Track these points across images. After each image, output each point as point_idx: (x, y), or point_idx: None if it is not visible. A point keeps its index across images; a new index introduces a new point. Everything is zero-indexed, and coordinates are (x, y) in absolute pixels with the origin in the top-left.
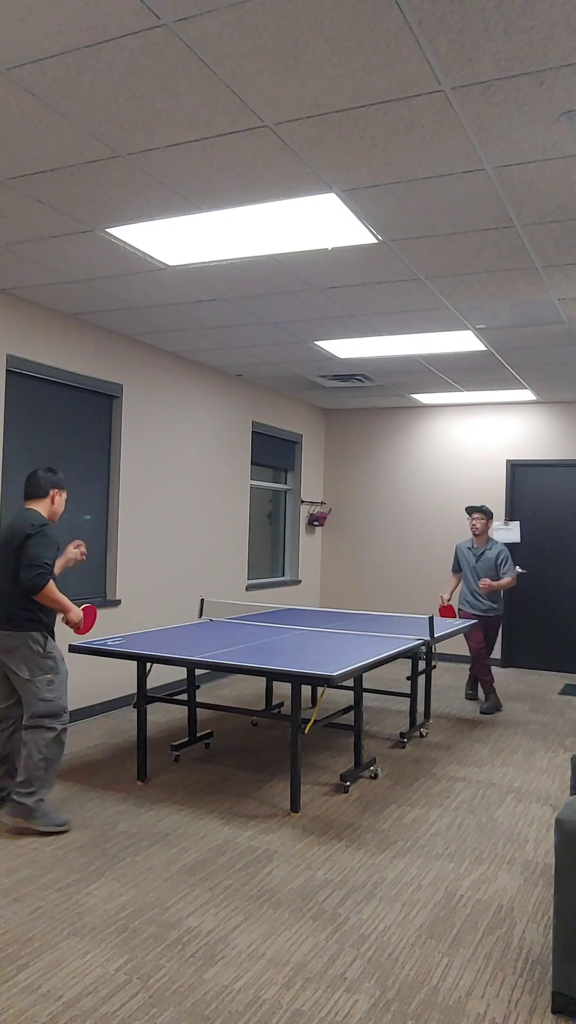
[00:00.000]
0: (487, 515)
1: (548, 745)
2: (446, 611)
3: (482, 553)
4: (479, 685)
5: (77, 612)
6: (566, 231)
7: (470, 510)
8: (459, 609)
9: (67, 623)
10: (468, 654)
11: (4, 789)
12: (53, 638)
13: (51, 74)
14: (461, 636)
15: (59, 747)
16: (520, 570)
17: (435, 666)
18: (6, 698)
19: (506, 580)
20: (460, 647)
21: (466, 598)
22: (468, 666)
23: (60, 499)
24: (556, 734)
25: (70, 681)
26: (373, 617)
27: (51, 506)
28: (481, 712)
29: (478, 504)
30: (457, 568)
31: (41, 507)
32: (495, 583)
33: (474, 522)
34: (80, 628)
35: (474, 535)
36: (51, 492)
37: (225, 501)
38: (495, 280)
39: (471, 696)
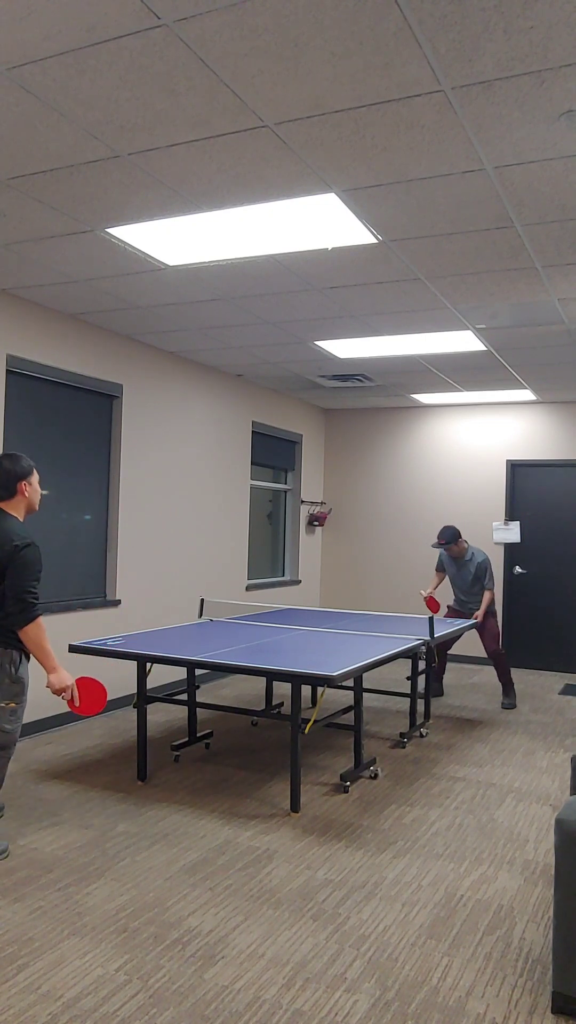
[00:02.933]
0: (451, 540)
1: (548, 745)
2: (429, 603)
3: (463, 565)
4: (503, 686)
5: (62, 676)
6: (566, 231)
7: (435, 546)
8: (448, 606)
9: (52, 689)
10: (462, 654)
11: None
12: (28, 661)
13: (51, 74)
14: (460, 637)
15: (3, 774)
16: (519, 570)
17: (435, 666)
18: None
19: (486, 599)
20: (460, 647)
21: (456, 598)
22: (477, 667)
23: (32, 488)
24: (556, 734)
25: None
26: (373, 617)
27: (23, 500)
28: (503, 707)
29: (441, 529)
30: (440, 568)
31: (14, 508)
32: (481, 610)
33: (448, 551)
34: (77, 704)
35: (452, 557)
36: (19, 486)
37: (225, 501)
38: (495, 280)
39: (508, 706)
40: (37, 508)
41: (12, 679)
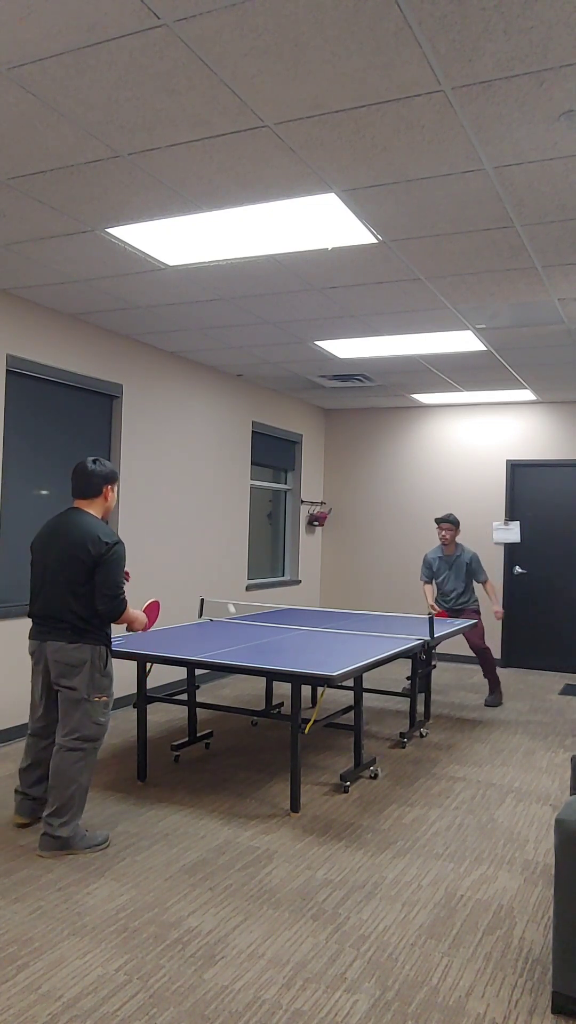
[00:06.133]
0: (455, 524)
1: (548, 745)
2: (440, 616)
3: (454, 562)
4: (489, 683)
5: (142, 619)
6: (566, 231)
7: (439, 520)
8: (431, 606)
9: (134, 631)
10: (461, 654)
11: (28, 795)
12: (111, 656)
13: (51, 74)
14: (460, 636)
15: (92, 769)
16: (519, 570)
17: (435, 666)
18: (49, 712)
19: (491, 590)
20: (461, 647)
21: (443, 598)
22: (476, 667)
23: (113, 495)
24: (556, 734)
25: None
26: (373, 617)
27: (105, 504)
28: (486, 704)
29: (444, 514)
30: (430, 578)
31: (95, 509)
32: (496, 599)
33: (443, 533)
34: (147, 627)
35: (443, 544)
36: (104, 489)
37: (225, 501)
38: (495, 280)
39: (492, 703)
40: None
41: (102, 674)
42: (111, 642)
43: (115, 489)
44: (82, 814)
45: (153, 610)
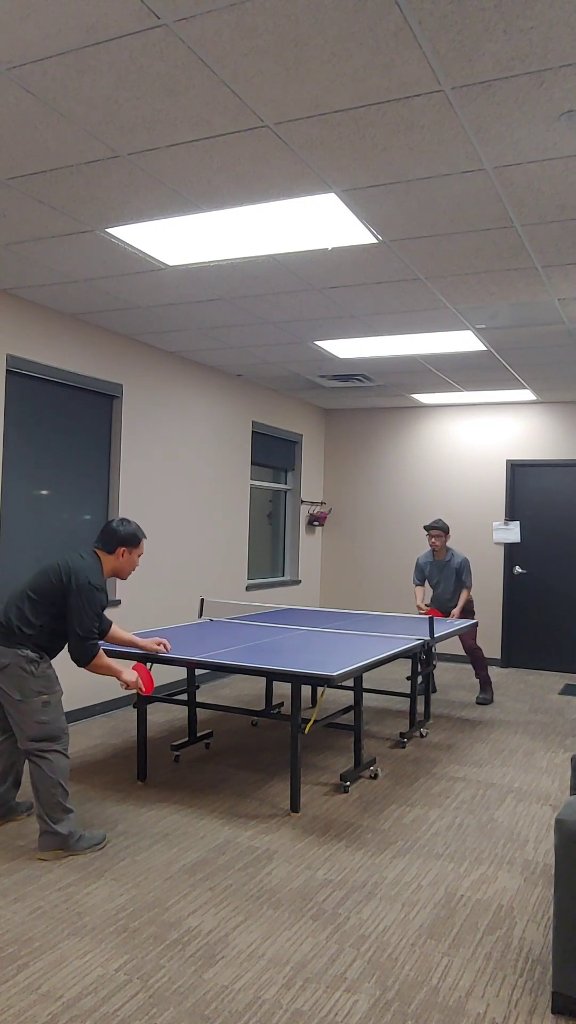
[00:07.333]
0: (444, 530)
1: (548, 745)
2: (432, 614)
3: (444, 567)
4: (481, 682)
5: (131, 674)
6: (566, 231)
7: (427, 527)
8: (427, 606)
9: (126, 687)
10: (462, 654)
11: (7, 803)
12: (50, 660)
13: (51, 74)
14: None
15: (65, 765)
16: (519, 570)
17: (435, 666)
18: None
19: (464, 597)
20: (459, 647)
21: (437, 601)
22: (471, 667)
23: (128, 557)
24: (556, 734)
25: (72, 681)
26: (373, 617)
27: (115, 562)
28: (477, 702)
29: (433, 521)
30: (421, 581)
31: (106, 561)
32: (459, 608)
33: (433, 539)
34: (143, 689)
35: (433, 551)
36: (117, 549)
37: (225, 501)
38: (495, 280)
39: (483, 701)
40: (123, 578)
41: (35, 675)
42: (43, 652)
43: (132, 552)
44: (73, 809)
45: (142, 671)
